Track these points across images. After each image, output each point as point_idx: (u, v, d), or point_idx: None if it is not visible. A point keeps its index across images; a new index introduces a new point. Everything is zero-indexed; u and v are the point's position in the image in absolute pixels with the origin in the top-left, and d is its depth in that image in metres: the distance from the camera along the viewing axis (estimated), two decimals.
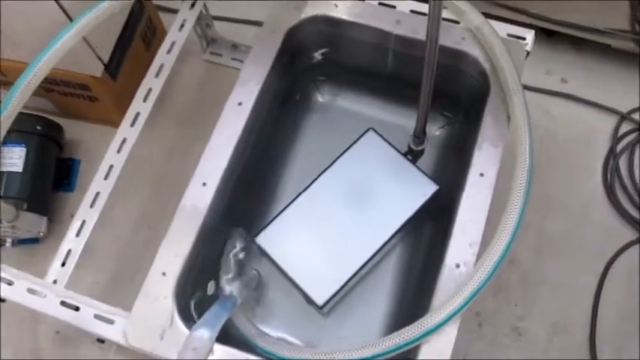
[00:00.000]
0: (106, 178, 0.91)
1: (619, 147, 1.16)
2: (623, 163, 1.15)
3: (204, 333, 0.70)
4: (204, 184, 0.79)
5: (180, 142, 1.20)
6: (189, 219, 0.77)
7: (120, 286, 1.09)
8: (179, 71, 1.24)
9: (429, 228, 0.92)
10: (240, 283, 0.84)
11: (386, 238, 0.86)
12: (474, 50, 0.84)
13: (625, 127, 1.18)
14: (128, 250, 1.13)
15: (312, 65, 0.98)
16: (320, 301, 0.84)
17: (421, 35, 0.82)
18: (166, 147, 1.22)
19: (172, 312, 0.71)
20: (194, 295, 0.79)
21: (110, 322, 0.74)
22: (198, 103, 1.24)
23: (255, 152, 0.88)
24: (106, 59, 1.03)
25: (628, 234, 1.10)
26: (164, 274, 0.74)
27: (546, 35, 1.22)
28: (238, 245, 0.88)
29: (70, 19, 0.94)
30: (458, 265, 0.71)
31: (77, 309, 0.75)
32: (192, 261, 0.76)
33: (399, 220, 0.87)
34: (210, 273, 0.84)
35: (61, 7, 0.90)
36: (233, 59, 1.23)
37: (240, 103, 0.83)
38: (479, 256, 0.70)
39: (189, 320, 0.74)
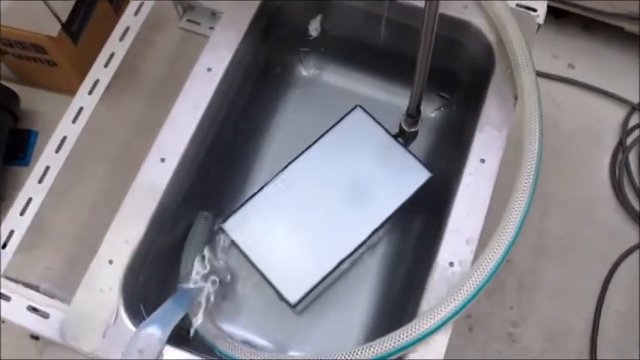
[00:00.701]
0: (57, 150, 0.82)
1: (629, 140, 1.09)
2: (632, 157, 1.08)
3: (153, 332, 0.62)
4: (162, 159, 0.70)
5: (150, 118, 1.11)
6: (143, 199, 0.68)
7: (76, 272, 0.99)
8: (152, 40, 1.18)
9: (420, 220, 0.84)
10: (203, 276, 0.75)
11: (371, 230, 0.77)
12: (477, 20, 0.75)
13: (635, 119, 1.11)
14: (86, 232, 1.06)
15: (295, 34, 0.89)
16: (292, 299, 0.75)
17: (419, 2, 0.74)
18: (134, 122, 1.13)
19: (118, 306, 0.63)
20: (147, 287, 0.70)
21: (45, 315, 0.65)
22: (171, 75, 1.16)
23: (226, 126, 0.80)
24: (64, 18, 0.94)
25: (635, 236, 1.03)
26: (111, 261, 0.65)
27: (554, 16, 1.15)
28: (203, 232, 0.79)
29: (57, 17, 0.92)
30: (452, 264, 0.63)
31: (8, 299, 0.65)
32: (145, 248, 0.68)
33: (386, 211, 0.78)
34: (169, 263, 0.75)
35: (48, 6, 0.89)
36: (211, 28, 1.13)
37: (209, 69, 0.74)
38: (476, 254, 0.63)
39: (138, 316, 0.65)
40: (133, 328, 0.62)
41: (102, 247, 0.66)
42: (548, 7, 0.82)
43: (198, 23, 1.15)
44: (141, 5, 0.90)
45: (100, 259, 0.65)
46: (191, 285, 0.72)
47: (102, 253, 0.66)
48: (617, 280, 0.99)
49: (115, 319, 0.62)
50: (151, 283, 0.71)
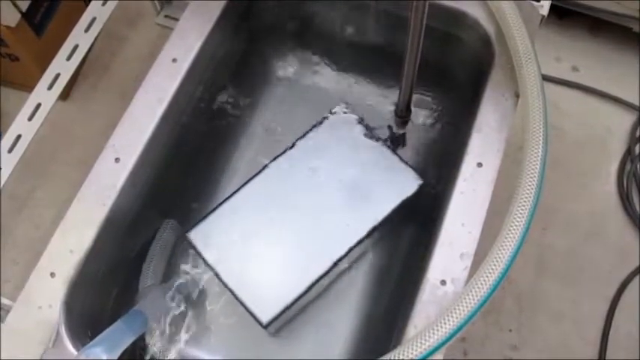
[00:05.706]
0: (10, 150, 0.77)
1: (637, 149, 1.05)
2: None
3: (97, 356, 0.55)
4: (117, 159, 0.65)
5: None
6: (93, 203, 0.63)
7: None
8: (126, 36, 1.14)
9: (409, 232, 0.80)
10: (163, 292, 0.67)
11: (353, 243, 0.71)
12: (474, 9, 0.71)
13: None
14: (49, 241, 0.98)
15: (274, 28, 0.84)
16: (264, 319, 0.68)
17: None
18: (106, 125, 1.06)
19: (59, 325, 0.57)
20: (96, 304, 0.64)
21: None
22: (146, 74, 1.08)
23: (195, 124, 0.74)
24: (24, 7, 0.88)
25: None
26: (53, 274, 0.60)
27: (558, 17, 1.12)
28: (167, 242, 0.72)
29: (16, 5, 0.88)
30: (444, 282, 0.58)
31: None
32: (94, 260, 0.62)
33: (371, 221, 0.72)
34: (126, 277, 0.68)
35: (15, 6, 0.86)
36: None
37: (174, 60, 0.69)
38: (471, 271, 0.58)
39: (82, 338, 0.59)
40: (74, 352, 0.56)
41: (43, 257, 0.60)
42: (552, 6, 0.78)
43: (177, 19, 1.08)
44: None
45: (40, 270, 0.59)
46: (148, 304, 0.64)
47: (42, 265, 0.60)
48: (625, 300, 0.95)
49: (55, 340, 0.57)
50: (101, 299, 0.65)
